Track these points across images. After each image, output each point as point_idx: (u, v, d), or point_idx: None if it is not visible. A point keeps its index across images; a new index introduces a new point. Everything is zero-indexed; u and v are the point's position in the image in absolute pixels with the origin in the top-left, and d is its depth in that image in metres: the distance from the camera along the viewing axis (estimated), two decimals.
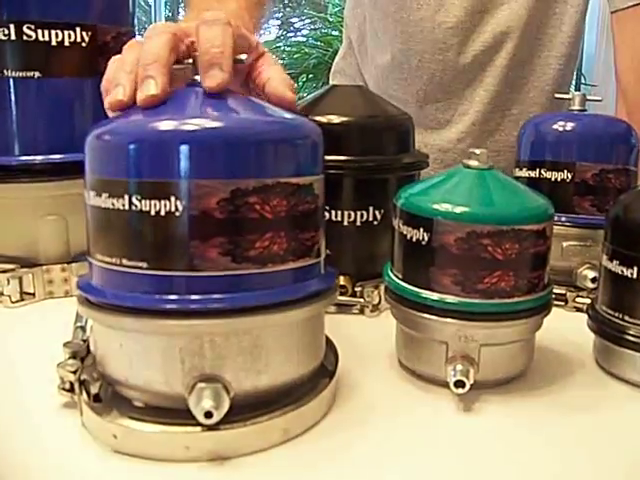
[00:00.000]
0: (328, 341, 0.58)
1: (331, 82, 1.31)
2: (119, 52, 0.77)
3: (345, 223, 0.73)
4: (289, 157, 0.49)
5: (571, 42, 1.14)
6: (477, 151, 0.57)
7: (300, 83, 2.12)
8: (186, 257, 0.46)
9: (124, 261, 0.48)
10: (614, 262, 0.59)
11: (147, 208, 0.46)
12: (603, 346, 0.61)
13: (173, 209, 0.45)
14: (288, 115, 0.52)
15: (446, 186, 0.56)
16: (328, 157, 0.71)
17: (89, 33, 0.73)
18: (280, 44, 2.72)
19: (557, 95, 0.90)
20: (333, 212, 0.72)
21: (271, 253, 0.48)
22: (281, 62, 2.21)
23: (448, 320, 0.55)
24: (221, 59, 0.51)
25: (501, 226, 0.53)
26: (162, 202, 0.46)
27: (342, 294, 0.74)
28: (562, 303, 0.77)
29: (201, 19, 0.54)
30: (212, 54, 0.51)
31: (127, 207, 0.46)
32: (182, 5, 3.54)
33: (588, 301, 0.76)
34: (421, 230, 0.55)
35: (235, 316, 0.47)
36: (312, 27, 2.68)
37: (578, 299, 0.77)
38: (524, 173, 0.81)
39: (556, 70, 1.13)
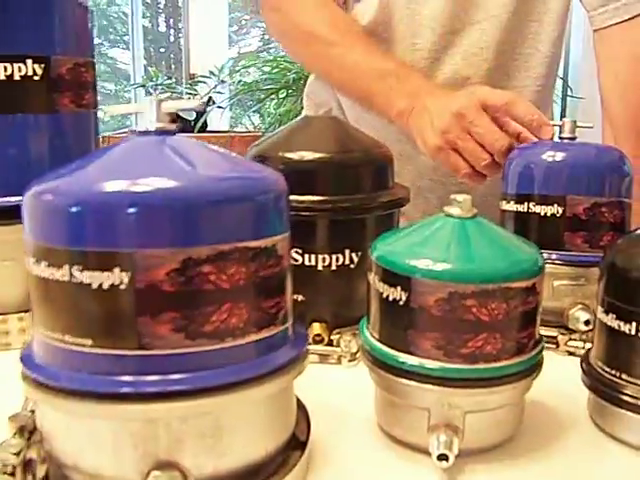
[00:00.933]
0: (299, 404, 0.53)
1: (304, 105, 1.26)
2: (78, 85, 0.72)
3: (319, 267, 0.68)
4: (248, 218, 0.44)
5: (549, 62, 1.08)
6: (459, 197, 0.52)
7: (280, 99, 2.06)
8: (134, 335, 0.41)
9: (67, 337, 0.43)
10: (610, 316, 0.54)
11: (89, 280, 0.41)
12: (598, 404, 0.57)
13: (117, 282, 0.40)
14: (249, 166, 0.48)
15: (425, 238, 0.52)
16: (300, 197, 0.66)
17: (42, 65, 0.68)
18: (260, 56, 2.64)
19: None
20: (306, 256, 0.67)
21: (230, 326, 0.43)
22: (261, 77, 2.15)
23: (429, 387, 0.50)
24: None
25: (486, 285, 0.48)
26: (105, 274, 0.41)
27: (317, 342, 0.69)
28: (553, 346, 0.73)
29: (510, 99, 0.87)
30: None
31: (67, 279, 0.41)
32: (162, 16, 3.48)
33: (581, 344, 0.72)
34: (398, 289, 0.50)
35: (193, 398, 0.42)
36: None
37: (570, 342, 0.72)
38: (511, 207, 0.76)
39: (534, 92, 1.08)
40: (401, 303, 0.50)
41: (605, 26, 1.02)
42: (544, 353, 0.55)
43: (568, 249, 0.73)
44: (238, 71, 2.26)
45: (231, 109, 2.75)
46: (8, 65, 0.65)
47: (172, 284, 0.41)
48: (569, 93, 2.21)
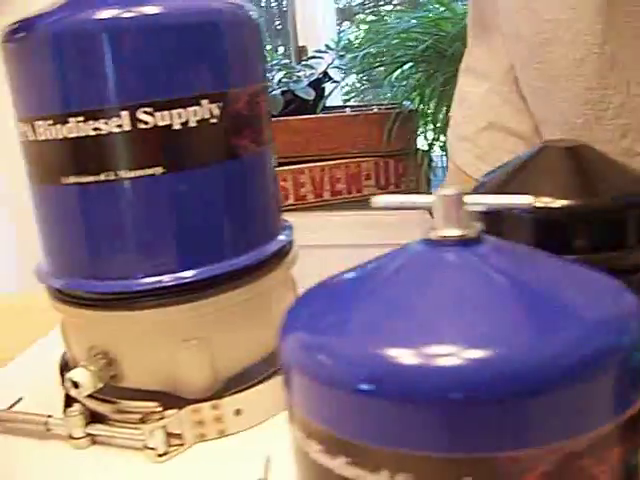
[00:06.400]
0: None
1: (460, 82, 1.00)
2: (256, 121, 0.60)
3: None
4: None
5: None
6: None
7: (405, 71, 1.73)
8: None
9: None
10: None
11: None
12: None
13: None
14: None
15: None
16: None
17: (219, 104, 0.55)
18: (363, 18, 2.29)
19: None
20: None
21: None
22: (378, 46, 1.77)
23: None
24: None
25: None
26: None
27: None
28: None
29: None
30: None
31: None
32: None
33: None
34: None
35: None
36: None
37: None
38: None
39: None
40: None
41: None
42: None
43: None
44: (354, 44, 2.03)
45: (359, 84, 2.44)
46: (182, 111, 0.53)
47: None
48: None
